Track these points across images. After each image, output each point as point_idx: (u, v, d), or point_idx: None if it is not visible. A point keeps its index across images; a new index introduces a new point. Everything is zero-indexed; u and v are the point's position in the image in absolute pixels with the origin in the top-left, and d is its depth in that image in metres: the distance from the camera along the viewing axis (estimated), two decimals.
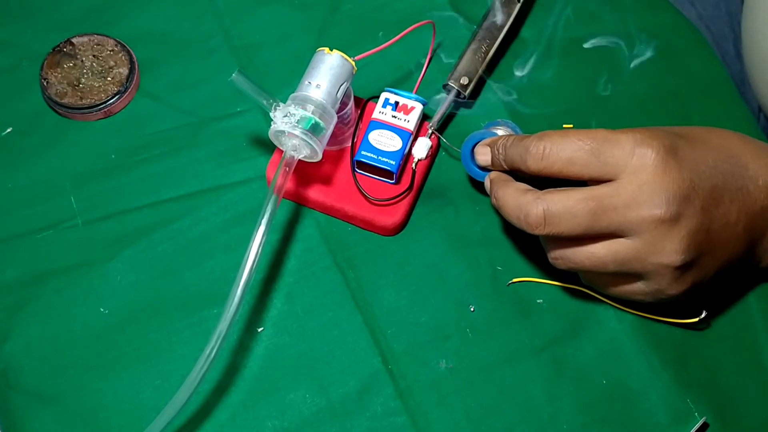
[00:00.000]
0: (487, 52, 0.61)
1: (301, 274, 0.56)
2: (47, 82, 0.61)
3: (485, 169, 0.54)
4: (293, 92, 0.52)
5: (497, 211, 0.51)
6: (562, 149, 0.47)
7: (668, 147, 0.46)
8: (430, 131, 0.58)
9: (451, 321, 0.55)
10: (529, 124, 0.58)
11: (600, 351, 0.55)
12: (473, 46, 0.61)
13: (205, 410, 0.52)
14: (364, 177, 0.57)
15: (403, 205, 0.57)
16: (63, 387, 0.53)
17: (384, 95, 0.57)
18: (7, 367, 0.53)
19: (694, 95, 0.64)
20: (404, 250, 0.57)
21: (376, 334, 0.55)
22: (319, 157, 0.52)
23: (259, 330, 0.55)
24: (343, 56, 0.52)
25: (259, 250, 0.48)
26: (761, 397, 0.54)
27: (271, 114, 0.51)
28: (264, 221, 0.49)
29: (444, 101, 0.59)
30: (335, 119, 0.52)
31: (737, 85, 0.66)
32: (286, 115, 0.50)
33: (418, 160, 0.57)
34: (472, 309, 0.56)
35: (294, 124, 0.50)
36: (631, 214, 0.45)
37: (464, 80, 0.60)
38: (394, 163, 0.55)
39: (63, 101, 0.60)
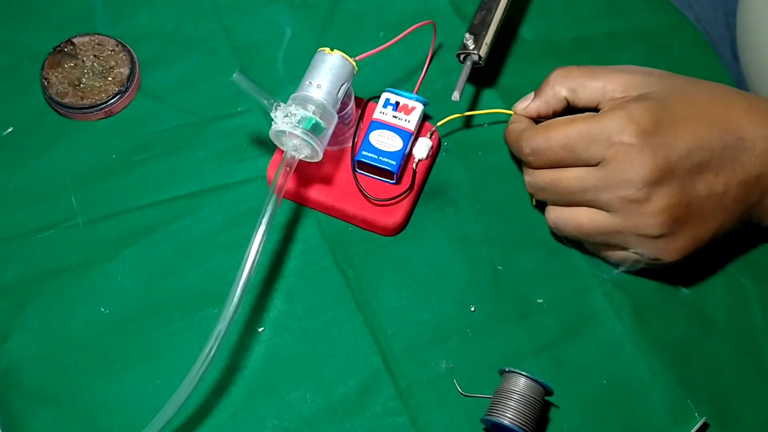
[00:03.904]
0: (495, 17, 0.59)
1: (301, 274, 0.56)
2: (48, 82, 0.61)
3: None
4: (294, 92, 0.52)
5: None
6: (548, 150, 0.52)
7: (649, 129, 0.49)
8: (433, 131, 0.58)
9: (451, 321, 0.55)
10: None
11: (600, 351, 0.55)
12: (482, 13, 0.59)
13: (205, 410, 0.52)
14: (365, 177, 0.57)
15: (404, 205, 0.57)
16: (63, 387, 0.53)
17: (385, 95, 0.58)
18: (8, 366, 0.53)
19: None
20: (405, 250, 0.57)
21: (376, 333, 0.55)
22: (320, 157, 0.52)
23: (260, 330, 0.55)
24: (343, 56, 0.52)
25: (260, 250, 0.48)
26: (761, 397, 0.54)
27: (272, 114, 0.51)
28: (264, 221, 0.49)
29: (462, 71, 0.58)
30: (336, 119, 0.52)
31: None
32: (286, 115, 0.51)
33: (419, 160, 0.57)
34: (472, 309, 0.56)
35: (295, 124, 0.50)
36: (607, 195, 0.50)
37: (470, 42, 0.58)
38: (394, 163, 0.56)
39: (64, 101, 0.60)
